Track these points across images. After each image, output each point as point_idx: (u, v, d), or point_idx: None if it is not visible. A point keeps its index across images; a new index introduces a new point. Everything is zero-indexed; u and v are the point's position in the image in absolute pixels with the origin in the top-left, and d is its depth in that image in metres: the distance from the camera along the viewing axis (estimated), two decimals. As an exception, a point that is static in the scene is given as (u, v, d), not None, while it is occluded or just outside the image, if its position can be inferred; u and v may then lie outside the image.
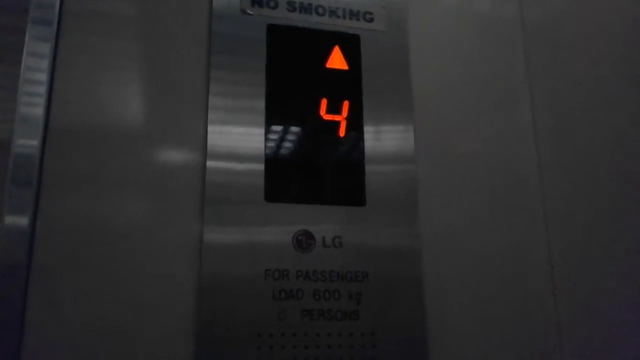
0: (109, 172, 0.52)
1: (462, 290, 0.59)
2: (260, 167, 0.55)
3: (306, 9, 0.60)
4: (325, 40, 0.60)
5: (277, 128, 0.56)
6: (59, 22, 0.54)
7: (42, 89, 0.51)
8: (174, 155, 0.54)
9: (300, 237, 0.54)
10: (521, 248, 0.62)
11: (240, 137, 0.55)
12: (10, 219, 0.48)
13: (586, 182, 0.65)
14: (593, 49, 0.71)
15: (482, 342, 0.58)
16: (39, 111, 0.51)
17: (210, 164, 0.53)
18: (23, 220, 0.48)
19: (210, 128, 0.55)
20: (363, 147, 0.58)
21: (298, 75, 0.58)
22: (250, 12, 0.58)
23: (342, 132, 0.58)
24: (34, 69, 0.52)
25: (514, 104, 0.67)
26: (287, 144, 0.57)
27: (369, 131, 0.59)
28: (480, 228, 0.61)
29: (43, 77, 0.52)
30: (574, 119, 0.67)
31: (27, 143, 0.50)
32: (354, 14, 0.62)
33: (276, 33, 0.58)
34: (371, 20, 0.62)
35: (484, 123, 0.65)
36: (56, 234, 0.49)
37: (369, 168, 0.58)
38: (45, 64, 0.52)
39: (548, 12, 0.71)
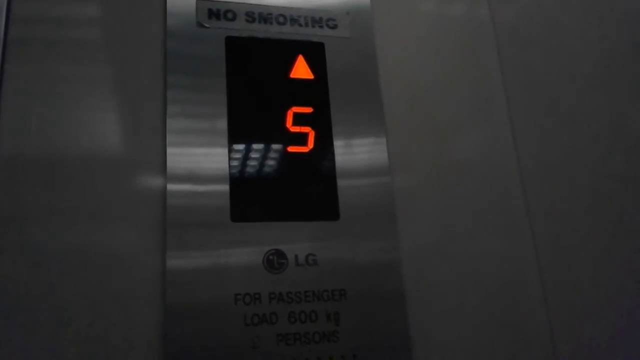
0: (60, 203, 0.48)
1: (447, 304, 0.56)
2: (225, 186, 0.52)
3: (266, 19, 0.58)
4: (288, 49, 0.58)
5: (241, 144, 0.54)
6: (3, 49, 0.51)
7: None
8: (133, 181, 0.51)
9: (271, 257, 0.51)
10: (505, 257, 0.59)
11: (201, 157, 0.52)
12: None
13: (569, 182, 0.63)
14: (567, 48, 0.69)
15: (470, 357, 0.55)
16: None
17: (170, 187, 0.50)
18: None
19: (169, 150, 0.52)
20: (333, 159, 0.56)
21: (261, 87, 0.56)
22: (207, 25, 0.56)
23: (310, 144, 0.56)
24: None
25: (490, 109, 0.65)
26: (252, 161, 0.54)
27: (339, 142, 0.56)
28: (462, 238, 0.58)
29: None
30: (552, 121, 0.66)
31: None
32: (316, 22, 0.59)
33: (235, 45, 0.56)
34: (335, 27, 0.60)
35: (459, 130, 0.63)
36: (8, 272, 0.46)
37: (340, 181, 0.55)
38: None
39: (519, 14, 0.70)
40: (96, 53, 0.54)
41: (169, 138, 0.52)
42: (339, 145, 0.56)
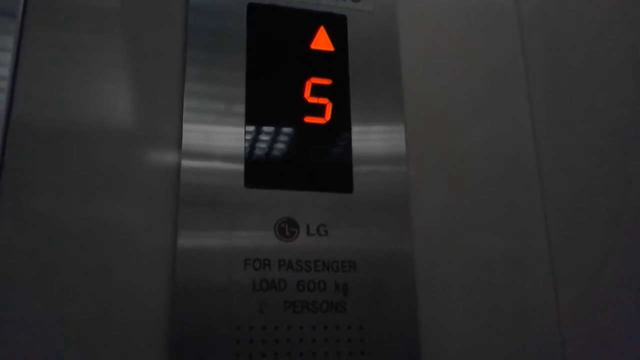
0: (75, 173, 0.48)
1: (456, 288, 0.55)
2: (241, 154, 0.52)
3: (289, -12, 0.57)
4: (310, 20, 0.57)
5: (258, 113, 0.53)
6: (23, 14, 0.50)
7: (4, 84, 0.48)
8: (147, 155, 0.51)
9: (282, 225, 0.51)
10: (519, 247, 0.59)
11: (218, 125, 0.52)
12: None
13: (587, 177, 0.62)
14: (591, 35, 0.68)
15: (477, 335, 0.54)
16: (0, 108, 0.47)
17: (186, 137, 0.51)
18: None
19: (185, 115, 0.52)
20: (350, 132, 0.55)
21: (281, 57, 0.56)
22: (230, -8, 0.56)
23: (327, 116, 0.55)
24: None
25: (511, 95, 0.64)
26: (269, 129, 0.54)
27: (356, 115, 0.56)
28: (477, 224, 0.58)
29: (5, 71, 0.48)
30: (573, 111, 0.65)
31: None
32: (339, -7, 0.59)
33: (257, 13, 0.56)
34: (358, 0, 0.59)
35: (479, 116, 0.62)
36: (17, 236, 0.46)
37: (356, 154, 0.55)
38: (7, 57, 0.49)
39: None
40: (116, 24, 0.53)
41: (186, 103, 0.52)
42: (356, 118, 0.56)
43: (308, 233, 0.51)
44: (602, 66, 0.67)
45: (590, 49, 0.68)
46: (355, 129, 0.56)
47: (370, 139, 0.56)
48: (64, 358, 0.44)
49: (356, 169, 0.55)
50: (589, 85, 0.66)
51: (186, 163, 0.50)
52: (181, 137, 0.51)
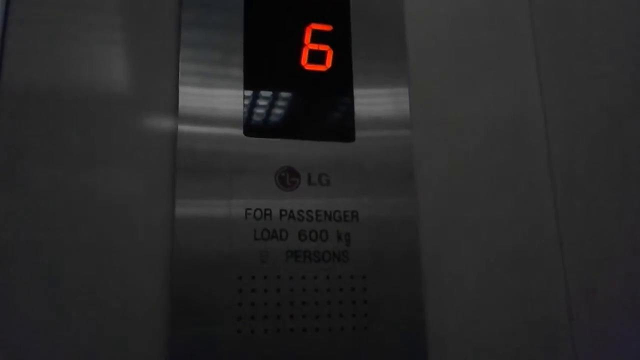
0: (68, 140, 0.47)
1: (459, 246, 0.55)
2: (240, 98, 0.50)
3: None
4: (309, -37, 0.55)
5: (257, 60, 0.52)
6: None
7: None
8: (142, 121, 0.49)
9: (283, 174, 0.50)
10: (526, 218, 0.57)
11: (217, 70, 0.51)
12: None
13: (596, 143, 0.61)
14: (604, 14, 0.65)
15: (479, 287, 0.54)
16: None
17: (182, 90, 0.50)
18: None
19: (182, 66, 0.50)
20: (351, 80, 0.54)
21: (280, 2, 0.54)
22: None
23: (328, 63, 0.54)
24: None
25: (518, 59, 0.62)
26: (268, 76, 0.52)
27: (358, 63, 0.54)
28: (480, 190, 0.57)
29: None
30: (582, 78, 0.62)
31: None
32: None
33: (255, -44, 0.54)
34: (359, -59, 0.57)
35: (485, 81, 0.60)
36: (11, 205, 0.44)
37: (358, 103, 0.54)
38: None
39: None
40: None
41: (182, 66, 0.50)
42: (357, 67, 0.54)
43: (309, 182, 0.50)
44: (615, 34, 0.65)
45: (598, 12, 0.65)
46: (356, 77, 0.54)
47: (372, 89, 0.55)
48: (63, 330, 0.43)
49: (358, 117, 0.53)
50: (600, 49, 0.63)
51: (183, 127, 0.49)
52: (178, 101, 0.49)
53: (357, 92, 0.54)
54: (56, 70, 0.48)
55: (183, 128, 0.49)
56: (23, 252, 0.44)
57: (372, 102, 0.54)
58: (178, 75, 0.50)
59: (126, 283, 0.45)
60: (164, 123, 0.49)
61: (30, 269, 0.44)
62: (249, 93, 0.51)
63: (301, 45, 0.53)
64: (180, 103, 0.49)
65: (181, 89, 0.50)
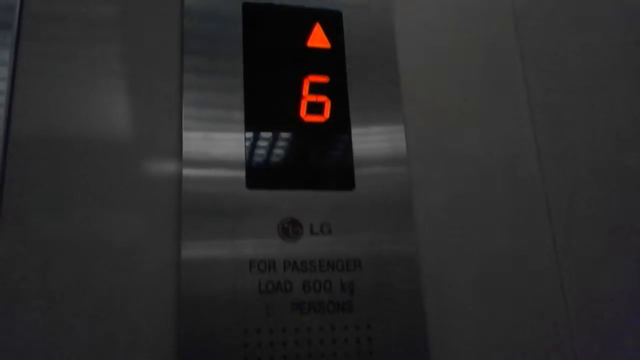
0: (76, 185, 0.47)
1: (461, 285, 0.55)
2: (241, 156, 0.51)
3: (283, -14, 0.57)
4: (305, 17, 0.57)
5: (257, 112, 0.53)
6: (19, 26, 0.49)
7: (2, 98, 0.47)
8: (147, 165, 0.50)
9: (286, 225, 0.50)
10: (522, 244, 0.58)
11: (218, 127, 0.52)
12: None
13: (588, 174, 0.62)
14: (588, 31, 0.68)
15: (484, 330, 0.54)
16: None
17: (186, 145, 0.50)
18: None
19: (185, 111, 0.51)
20: (349, 128, 0.55)
21: (278, 55, 0.55)
22: (224, -9, 0.55)
23: (326, 114, 0.55)
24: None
25: (509, 93, 0.63)
26: (268, 129, 0.53)
27: (355, 112, 0.56)
28: (479, 223, 0.57)
29: (3, 85, 0.47)
30: (572, 107, 0.64)
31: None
32: (334, -11, 0.58)
33: (252, 12, 0.55)
34: (352, -5, 0.59)
35: (477, 115, 0.61)
36: (20, 250, 0.45)
37: (356, 151, 0.54)
38: (4, 71, 0.48)
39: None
40: (111, 33, 0.52)
41: (185, 110, 0.51)
42: (355, 115, 0.55)
43: (312, 232, 0.51)
44: (600, 60, 0.67)
45: (586, 43, 0.68)
46: (354, 126, 0.55)
47: (370, 136, 0.56)
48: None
49: (357, 166, 0.54)
50: (587, 81, 0.66)
51: (187, 172, 0.49)
52: (181, 146, 0.50)
53: (355, 139, 0.55)
54: (62, 117, 0.49)
55: (187, 172, 0.49)
56: (29, 297, 0.44)
57: (370, 147, 0.55)
58: (182, 120, 0.51)
59: (132, 327, 0.45)
60: (168, 167, 0.50)
61: (35, 313, 0.44)
62: (250, 145, 0.52)
63: (299, 97, 0.54)
64: (184, 148, 0.50)
65: (185, 134, 0.50)
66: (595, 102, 0.65)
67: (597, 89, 0.66)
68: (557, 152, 0.62)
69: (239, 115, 0.52)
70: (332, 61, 0.56)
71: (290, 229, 0.50)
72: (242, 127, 0.52)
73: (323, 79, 0.56)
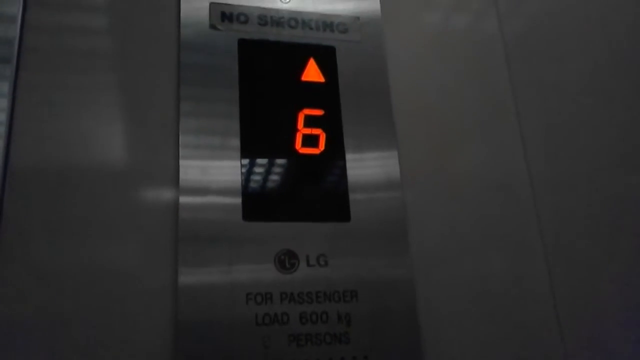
0: (74, 215, 0.48)
1: (457, 310, 0.55)
2: (237, 189, 0.52)
3: (278, 22, 0.58)
4: (300, 52, 0.58)
5: (253, 145, 0.54)
6: (18, 59, 0.51)
7: (1, 129, 0.48)
8: (144, 193, 0.51)
9: (282, 257, 0.51)
10: (517, 267, 0.59)
11: (214, 160, 0.52)
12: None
13: (581, 197, 0.63)
14: (576, 58, 0.70)
15: (482, 353, 0.54)
16: None
17: (183, 173, 0.51)
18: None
19: (181, 151, 0.52)
20: (344, 161, 0.56)
21: (273, 89, 0.56)
22: (220, 28, 0.56)
23: (321, 146, 0.56)
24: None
25: (500, 119, 0.65)
26: (264, 161, 0.54)
27: (349, 144, 0.57)
28: (473, 247, 0.58)
29: (2, 116, 0.48)
30: (563, 132, 0.66)
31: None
32: (327, 26, 0.60)
33: (248, 48, 0.56)
34: (345, 31, 0.60)
35: (469, 140, 0.63)
36: (17, 281, 0.45)
37: (352, 182, 0.55)
38: (4, 102, 0.49)
39: (528, 25, 0.71)
40: (109, 64, 0.54)
41: (182, 140, 0.52)
42: (350, 147, 0.56)
43: (308, 264, 0.51)
44: (588, 85, 0.69)
45: (575, 69, 0.69)
46: (349, 157, 0.56)
47: (365, 167, 0.56)
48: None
49: (352, 197, 0.55)
50: (576, 104, 0.67)
51: (184, 199, 0.50)
52: (178, 174, 0.51)
53: (350, 172, 0.55)
54: (61, 147, 0.49)
55: (184, 199, 0.50)
56: (26, 326, 0.44)
57: (366, 181, 0.56)
58: (178, 148, 0.52)
59: (130, 354, 0.45)
60: (165, 194, 0.51)
61: (34, 341, 0.44)
62: (246, 176, 0.52)
63: (295, 130, 0.55)
64: (181, 176, 0.51)
65: (182, 162, 0.51)
66: (587, 127, 0.67)
67: (588, 115, 0.67)
68: (549, 176, 0.63)
69: (235, 146, 0.53)
70: (327, 95, 0.58)
71: (286, 260, 0.51)
72: (239, 157, 0.53)
73: (318, 112, 0.57)
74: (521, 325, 0.56)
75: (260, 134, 0.54)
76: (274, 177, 0.54)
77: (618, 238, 0.62)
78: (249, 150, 0.53)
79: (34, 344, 0.44)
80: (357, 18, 0.61)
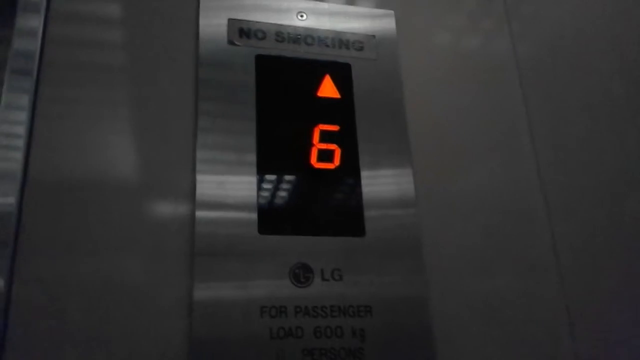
0: (91, 229, 0.48)
1: (472, 328, 0.55)
2: (253, 202, 0.52)
3: (295, 39, 0.59)
4: (316, 69, 0.59)
5: (269, 160, 0.54)
6: (38, 73, 0.51)
7: (20, 142, 0.48)
8: (161, 206, 0.51)
9: (297, 271, 0.51)
10: (531, 283, 0.59)
11: (230, 175, 0.53)
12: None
13: (594, 213, 0.63)
14: (589, 79, 0.70)
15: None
16: (16, 166, 0.47)
17: (200, 188, 0.51)
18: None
19: (198, 166, 0.52)
20: (359, 176, 0.56)
21: (289, 105, 0.57)
22: (238, 43, 0.57)
23: (337, 161, 0.56)
24: (12, 122, 0.49)
25: (514, 138, 0.65)
26: (280, 176, 0.54)
27: (364, 160, 0.57)
28: (488, 264, 0.58)
29: (21, 130, 0.49)
30: (576, 152, 0.66)
31: (4, 201, 0.46)
32: (343, 43, 0.61)
33: (265, 63, 0.57)
34: (361, 49, 0.61)
35: (483, 159, 0.63)
36: (35, 299, 0.45)
37: (366, 196, 0.55)
38: (24, 115, 0.49)
39: (541, 45, 0.71)
40: (128, 79, 0.54)
41: (199, 155, 0.52)
42: (364, 162, 0.57)
43: (323, 278, 0.51)
44: (602, 106, 0.69)
45: (588, 90, 0.69)
46: (364, 173, 0.56)
47: (380, 183, 0.57)
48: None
49: (367, 213, 0.55)
50: (591, 124, 0.67)
51: (200, 214, 0.50)
52: (195, 188, 0.51)
53: (365, 187, 0.56)
54: (79, 161, 0.50)
55: (201, 214, 0.50)
56: (40, 340, 0.44)
57: (380, 191, 0.56)
58: (195, 163, 0.52)
59: None
60: (182, 209, 0.51)
61: (48, 355, 0.44)
62: (262, 190, 0.52)
63: (310, 145, 0.56)
64: (198, 190, 0.51)
65: (198, 177, 0.52)
66: (601, 147, 0.67)
67: (602, 134, 0.67)
68: (563, 194, 0.63)
69: (252, 161, 0.53)
70: (342, 110, 0.58)
71: (301, 274, 0.51)
72: (255, 172, 0.53)
73: (333, 127, 0.57)
74: (536, 344, 0.56)
75: (277, 149, 0.55)
76: (290, 191, 0.54)
77: (635, 257, 0.61)
78: (265, 164, 0.54)
79: (48, 357, 0.44)
80: (373, 37, 0.62)
